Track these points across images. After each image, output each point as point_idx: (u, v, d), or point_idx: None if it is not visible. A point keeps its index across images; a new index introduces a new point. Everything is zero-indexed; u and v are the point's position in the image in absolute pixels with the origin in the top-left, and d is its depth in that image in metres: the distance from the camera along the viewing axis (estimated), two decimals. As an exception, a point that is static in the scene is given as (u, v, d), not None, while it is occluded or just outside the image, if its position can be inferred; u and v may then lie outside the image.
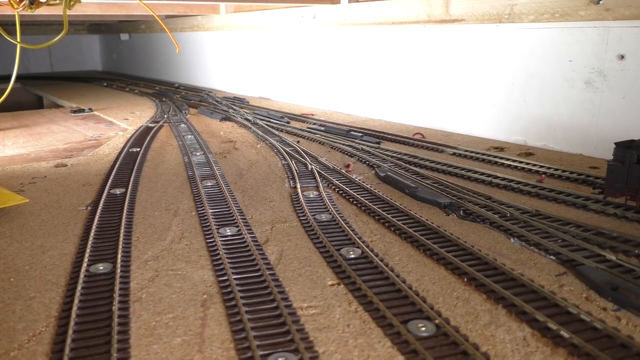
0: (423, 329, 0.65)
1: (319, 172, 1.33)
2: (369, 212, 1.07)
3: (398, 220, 1.00)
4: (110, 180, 1.28)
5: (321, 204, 1.11)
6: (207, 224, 1.00)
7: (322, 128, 1.92)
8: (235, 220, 1.01)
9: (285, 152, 1.56)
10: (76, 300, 0.72)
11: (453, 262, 0.83)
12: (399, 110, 2.14)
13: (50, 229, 1.00)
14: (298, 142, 1.73)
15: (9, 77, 1.45)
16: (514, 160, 1.43)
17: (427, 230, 0.96)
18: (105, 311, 0.70)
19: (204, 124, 2.14)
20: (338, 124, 2.01)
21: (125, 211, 1.06)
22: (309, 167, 1.39)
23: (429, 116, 2.02)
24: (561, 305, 0.69)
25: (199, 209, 1.09)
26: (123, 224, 1.00)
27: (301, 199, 1.14)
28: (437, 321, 0.66)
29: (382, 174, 1.30)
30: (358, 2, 2.20)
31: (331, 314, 0.70)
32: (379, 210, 1.06)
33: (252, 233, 0.96)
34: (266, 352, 0.61)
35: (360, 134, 1.78)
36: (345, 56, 2.38)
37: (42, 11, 1.40)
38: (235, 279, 0.78)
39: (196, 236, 0.96)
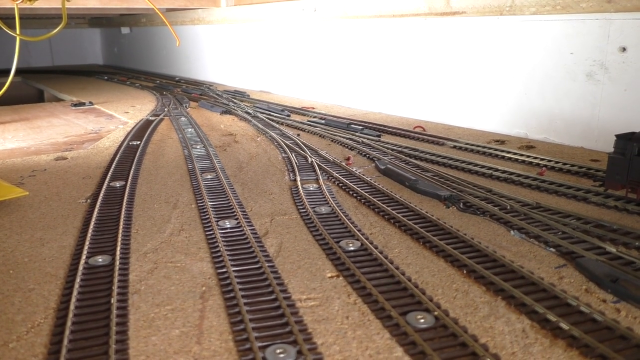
0: (422, 320, 0.65)
1: (319, 165, 1.33)
2: (368, 205, 1.07)
3: (398, 213, 1.00)
4: (110, 173, 1.28)
5: (321, 196, 1.11)
6: (207, 216, 1.00)
7: (323, 121, 1.92)
8: (235, 213, 1.01)
9: (286, 145, 1.56)
10: (75, 292, 0.72)
11: (453, 254, 0.82)
12: (400, 103, 2.14)
13: (49, 222, 1.00)
14: (298, 135, 1.73)
15: (9, 71, 1.45)
16: (515, 153, 1.43)
17: (427, 223, 0.96)
18: (104, 303, 0.70)
19: (205, 117, 2.13)
20: (338, 117, 2.00)
21: (124, 204, 1.06)
22: (309, 160, 1.38)
23: (430, 109, 2.01)
24: (561, 297, 0.69)
25: (198, 202, 1.09)
26: (122, 216, 1.00)
27: (301, 191, 1.13)
28: (436, 313, 0.66)
29: (382, 167, 1.30)
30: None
31: (330, 306, 0.70)
32: (379, 202, 1.05)
33: (251, 225, 0.96)
34: (265, 343, 0.61)
35: (361, 127, 1.78)
36: (346, 49, 2.37)
37: (41, 4, 1.40)
38: (234, 271, 0.77)
39: (195, 229, 0.96)
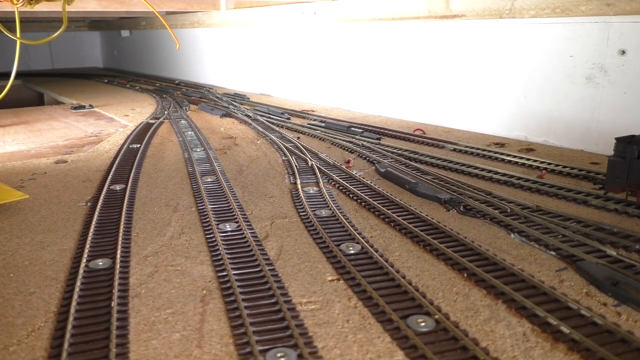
0: (423, 324, 0.65)
1: (319, 168, 1.33)
2: (369, 208, 1.07)
3: (398, 216, 1.00)
4: (110, 176, 1.28)
5: (321, 199, 1.11)
6: (207, 219, 1.00)
7: (323, 124, 1.92)
8: (235, 216, 1.01)
9: (286, 148, 1.56)
10: (75, 296, 0.72)
11: (453, 257, 0.82)
12: (400, 106, 2.14)
13: (49, 225, 1.00)
14: (298, 138, 1.73)
15: (9, 74, 1.45)
16: (515, 156, 1.43)
17: (427, 226, 0.96)
18: (104, 306, 0.70)
19: (205, 120, 2.14)
20: (338, 120, 2.00)
21: (125, 207, 1.06)
22: (309, 163, 1.39)
23: (430, 112, 2.01)
24: (561, 300, 0.69)
25: (198, 205, 1.09)
26: (123, 219, 1.00)
27: (301, 194, 1.13)
28: (436, 316, 0.66)
29: (383, 170, 1.30)
30: (358, -3, 2.20)
31: (330, 310, 0.70)
32: (379, 205, 1.05)
33: (251, 229, 0.96)
34: (265, 347, 0.61)
35: (361, 130, 1.78)
36: (346, 52, 2.38)
37: (41, 7, 1.39)
38: (234, 274, 0.77)
39: (196, 232, 0.96)
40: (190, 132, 1.83)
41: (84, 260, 0.82)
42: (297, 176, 1.27)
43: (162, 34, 4.03)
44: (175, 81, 3.69)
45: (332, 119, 2.06)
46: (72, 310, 0.68)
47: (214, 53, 3.44)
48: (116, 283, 0.75)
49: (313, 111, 2.29)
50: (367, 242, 0.88)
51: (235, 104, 2.50)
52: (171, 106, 2.48)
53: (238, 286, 0.74)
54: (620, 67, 1.42)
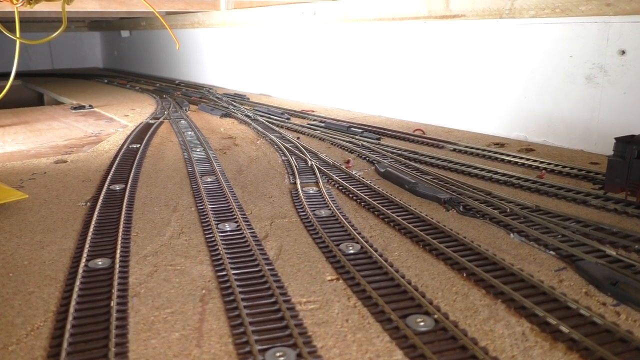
0: (422, 323, 0.65)
1: (318, 168, 1.33)
2: (368, 208, 1.07)
3: (398, 216, 1.00)
4: (109, 176, 1.28)
5: (321, 199, 1.11)
6: (207, 219, 1.00)
7: (322, 124, 1.92)
8: (235, 216, 1.01)
9: (285, 148, 1.56)
10: (75, 295, 0.72)
11: (452, 257, 0.82)
12: (400, 106, 2.14)
13: (49, 225, 1.00)
14: (298, 138, 1.73)
15: (9, 74, 1.45)
16: (514, 156, 1.43)
17: (427, 226, 0.96)
18: (103, 306, 0.70)
19: (204, 121, 2.14)
20: (338, 120, 2.00)
21: (124, 207, 1.06)
22: (309, 163, 1.39)
23: (430, 112, 2.01)
24: (560, 300, 0.69)
25: (198, 205, 1.09)
26: (122, 219, 1.00)
27: (301, 194, 1.13)
28: (435, 316, 0.66)
29: (382, 170, 1.30)
30: (358, -2, 2.20)
31: (330, 309, 0.70)
32: (379, 205, 1.05)
33: (251, 228, 0.96)
34: (264, 346, 0.61)
35: (361, 130, 1.78)
36: (346, 52, 2.38)
37: (41, 7, 1.39)
38: (234, 274, 0.77)
39: (195, 232, 0.96)
40: (190, 132, 1.83)
41: (83, 259, 0.82)
42: (297, 176, 1.27)
43: (162, 34, 4.03)
44: (175, 81, 3.69)
45: (331, 119, 2.06)
46: (72, 309, 0.68)
47: (214, 53, 3.44)
48: (115, 283, 0.75)
49: (313, 111, 2.29)
50: (366, 241, 0.88)
51: (235, 104, 2.50)
52: (171, 106, 2.48)
53: (237, 286, 0.74)
54: (620, 67, 1.42)
